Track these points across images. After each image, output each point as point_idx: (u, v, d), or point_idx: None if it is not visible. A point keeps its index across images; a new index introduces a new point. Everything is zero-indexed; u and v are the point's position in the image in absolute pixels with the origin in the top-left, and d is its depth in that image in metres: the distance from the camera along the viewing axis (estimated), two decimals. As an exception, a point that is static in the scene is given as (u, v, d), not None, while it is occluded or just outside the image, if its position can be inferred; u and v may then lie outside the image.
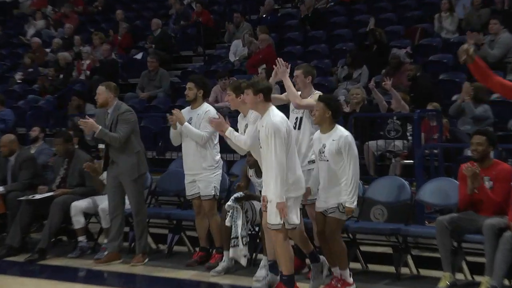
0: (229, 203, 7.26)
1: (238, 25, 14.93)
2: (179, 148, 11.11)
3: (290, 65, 7.02)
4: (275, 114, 6.23)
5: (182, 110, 7.88)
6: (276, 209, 6.14)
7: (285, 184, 6.08)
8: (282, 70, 6.96)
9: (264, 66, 12.55)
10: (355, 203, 6.34)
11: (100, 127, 7.75)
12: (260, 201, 7.45)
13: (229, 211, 7.24)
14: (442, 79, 11.04)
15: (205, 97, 7.88)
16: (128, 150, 7.87)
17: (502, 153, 8.72)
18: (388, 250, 7.52)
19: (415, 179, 8.22)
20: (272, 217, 6.18)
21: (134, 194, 7.91)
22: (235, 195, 7.37)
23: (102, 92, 7.89)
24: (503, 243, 6.26)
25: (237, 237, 7.20)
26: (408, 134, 9.32)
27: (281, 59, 7.01)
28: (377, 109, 10.43)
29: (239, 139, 6.59)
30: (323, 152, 6.40)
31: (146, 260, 8.08)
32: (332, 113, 6.42)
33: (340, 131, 6.41)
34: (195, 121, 7.76)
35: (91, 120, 7.82)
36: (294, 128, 6.85)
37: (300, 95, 7.03)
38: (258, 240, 7.79)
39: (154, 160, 11.31)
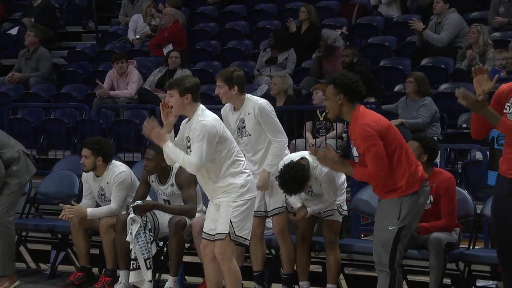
0: (131, 215, 7.39)
1: (133, -4, 14.91)
2: (65, 147, 11.23)
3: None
4: (206, 114, 6.38)
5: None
6: None
7: None
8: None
9: (171, 47, 12.66)
10: None
11: None
12: (163, 210, 7.65)
13: (131, 225, 7.39)
14: (383, 65, 11.42)
15: (107, 162, 7.96)
16: None
17: (451, 154, 9.17)
18: (318, 268, 7.79)
19: (350, 185, 8.51)
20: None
21: None
22: (133, 204, 7.49)
23: None
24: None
25: (136, 259, 7.37)
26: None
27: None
28: (307, 100, 10.73)
29: (182, 158, 6.39)
30: None
31: (15, 285, 7.91)
32: None
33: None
34: (107, 191, 7.96)
35: None
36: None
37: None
38: (162, 258, 7.94)
39: (34, 161, 11.22)
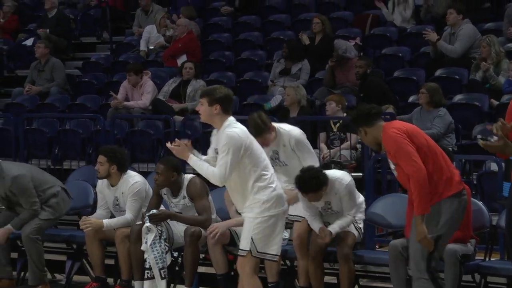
0: (146, 224, 7.40)
1: (146, 9, 14.93)
2: (79, 157, 11.25)
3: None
4: (233, 125, 6.28)
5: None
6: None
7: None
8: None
9: (185, 58, 12.69)
10: None
11: None
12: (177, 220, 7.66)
13: (147, 234, 7.40)
14: (397, 76, 11.40)
15: (121, 172, 8.00)
16: None
17: (466, 165, 9.14)
18: (333, 279, 7.78)
19: (365, 195, 8.49)
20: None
21: None
22: (149, 213, 7.51)
23: None
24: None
25: (151, 268, 7.39)
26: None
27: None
28: (321, 111, 10.73)
29: (206, 170, 6.32)
30: None
31: None
32: None
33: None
34: (122, 201, 7.99)
35: None
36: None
37: None
38: (177, 268, 7.95)
39: (49, 171, 11.28)
